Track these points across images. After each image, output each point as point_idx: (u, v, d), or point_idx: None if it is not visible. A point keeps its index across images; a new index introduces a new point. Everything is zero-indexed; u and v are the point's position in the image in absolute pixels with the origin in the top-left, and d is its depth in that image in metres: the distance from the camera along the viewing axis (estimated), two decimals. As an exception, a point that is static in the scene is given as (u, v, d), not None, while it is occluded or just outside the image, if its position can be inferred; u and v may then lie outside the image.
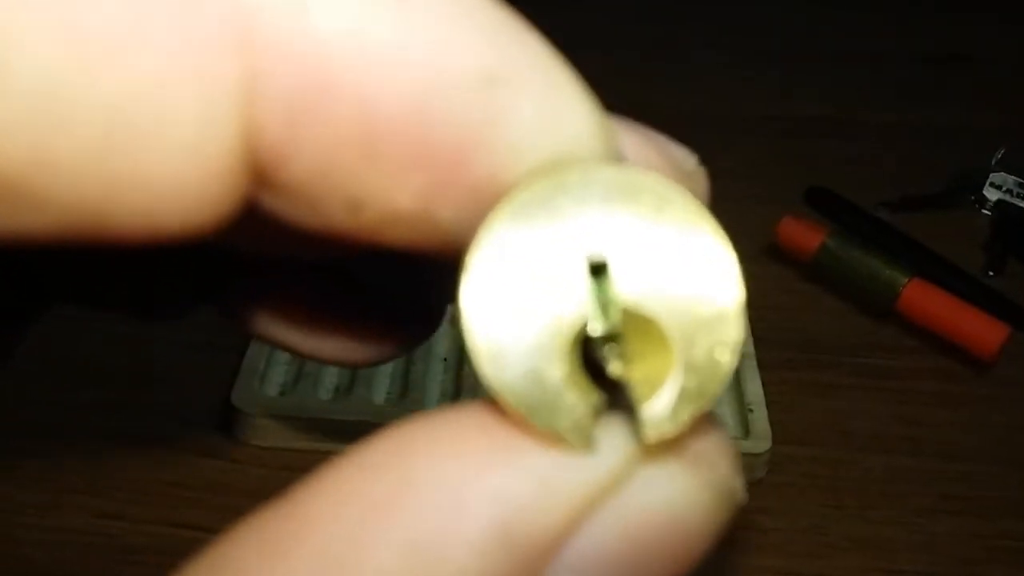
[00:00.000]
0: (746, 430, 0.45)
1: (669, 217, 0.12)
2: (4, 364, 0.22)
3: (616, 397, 0.12)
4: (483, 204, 0.12)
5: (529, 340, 0.12)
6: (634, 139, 0.14)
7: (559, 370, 0.12)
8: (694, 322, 0.12)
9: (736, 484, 0.13)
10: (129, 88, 0.11)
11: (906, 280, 0.52)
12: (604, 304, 0.12)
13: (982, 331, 0.50)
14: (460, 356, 0.47)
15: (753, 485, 0.45)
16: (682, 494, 0.12)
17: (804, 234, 0.56)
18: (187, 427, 0.45)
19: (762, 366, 0.48)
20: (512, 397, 0.12)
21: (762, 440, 0.45)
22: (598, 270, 0.12)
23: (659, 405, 0.12)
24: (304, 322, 0.20)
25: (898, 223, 0.60)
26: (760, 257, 0.56)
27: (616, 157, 0.13)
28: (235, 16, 0.11)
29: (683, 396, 0.12)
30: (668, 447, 0.12)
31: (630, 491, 0.12)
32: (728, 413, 0.46)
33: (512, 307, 0.12)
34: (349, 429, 0.44)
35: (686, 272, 0.12)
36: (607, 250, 0.12)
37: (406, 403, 0.45)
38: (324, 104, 0.11)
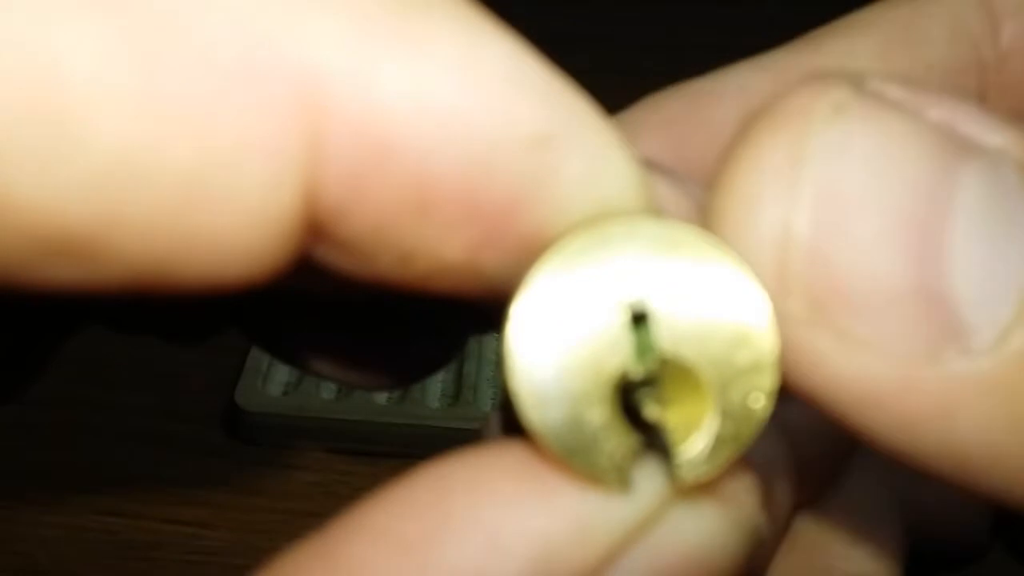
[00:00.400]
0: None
1: (707, 270, 0.12)
2: (37, 378, 0.23)
3: (652, 439, 0.12)
4: (529, 254, 0.12)
5: (571, 385, 0.12)
6: (667, 187, 0.14)
7: (599, 415, 0.12)
8: (730, 370, 0.12)
9: (760, 521, 0.13)
10: (202, 156, 0.11)
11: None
12: (643, 351, 0.12)
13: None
14: (460, 358, 0.47)
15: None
16: (712, 533, 0.12)
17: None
18: (190, 426, 0.46)
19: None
20: (553, 440, 0.12)
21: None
22: (639, 318, 0.12)
23: (695, 449, 0.12)
24: (327, 350, 0.21)
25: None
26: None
27: (655, 209, 0.13)
28: (303, 82, 0.11)
29: (718, 441, 0.12)
30: (701, 489, 0.12)
31: (663, 530, 0.12)
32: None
33: (555, 352, 0.12)
34: (352, 429, 0.44)
35: (723, 322, 0.12)
36: (647, 299, 0.12)
37: (407, 404, 0.45)
38: (385, 166, 0.12)
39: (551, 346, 0.12)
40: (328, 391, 0.46)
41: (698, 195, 0.15)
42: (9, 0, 0.10)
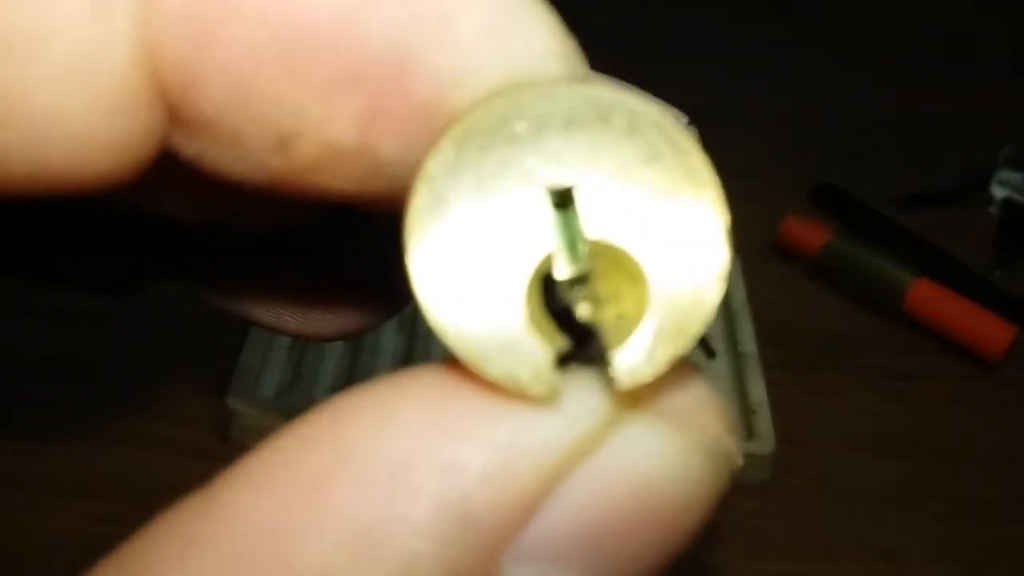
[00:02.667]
0: (749, 432, 0.44)
1: (643, 138, 0.10)
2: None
3: (585, 344, 0.10)
4: (430, 136, 0.10)
5: (484, 282, 0.10)
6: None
7: (518, 313, 0.10)
8: (673, 252, 0.10)
9: (731, 446, 0.11)
10: (23, 10, 0.09)
11: (912, 280, 0.52)
12: (570, 240, 0.10)
13: (990, 332, 0.49)
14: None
15: (756, 488, 0.44)
16: (667, 456, 0.10)
17: (808, 232, 0.55)
18: (182, 429, 0.45)
19: (766, 367, 0.47)
20: (466, 344, 0.10)
21: (766, 442, 0.44)
22: (562, 202, 0.10)
23: (633, 348, 0.10)
24: (265, 295, 0.19)
25: (904, 221, 0.59)
26: (763, 256, 0.56)
27: (580, 76, 0.11)
28: None
29: (660, 336, 0.10)
30: (647, 399, 0.10)
31: (605, 454, 0.10)
32: (732, 415, 0.45)
33: (464, 247, 0.10)
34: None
35: (663, 197, 0.10)
36: (572, 179, 0.10)
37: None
38: (231, 14, 0.10)
39: (458, 239, 0.10)
40: (322, 392, 0.45)
41: (650, 99, 0.12)
42: None
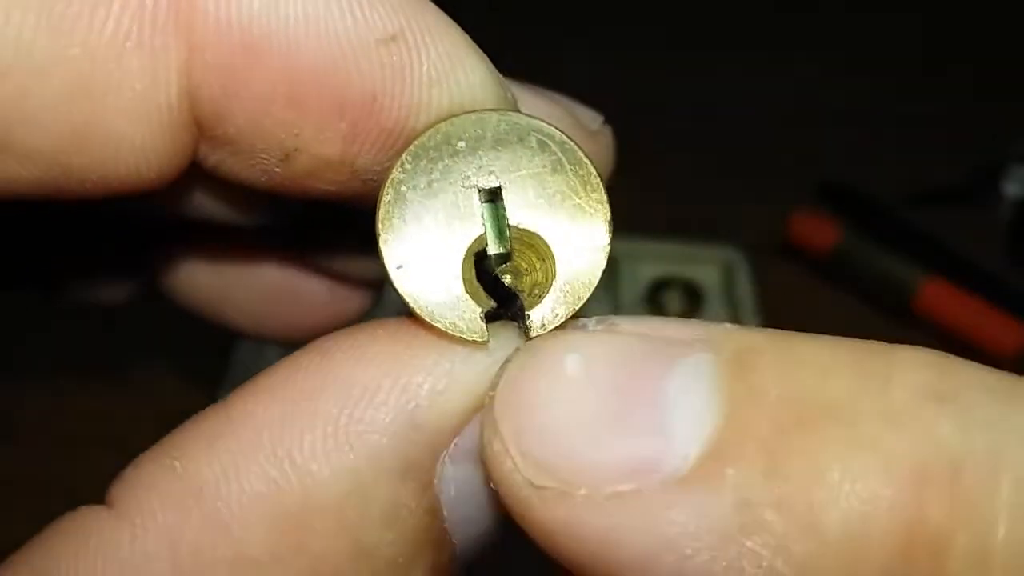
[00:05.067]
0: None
1: (550, 154, 0.14)
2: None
3: (508, 309, 0.15)
4: (394, 151, 0.15)
5: (434, 257, 0.14)
6: (542, 101, 0.17)
7: (459, 280, 0.14)
8: (571, 237, 0.14)
9: (630, 378, 0.15)
10: (90, 53, 0.13)
11: (923, 279, 0.51)
12: (497, 227, 0.14)
13: (1001, 331, 0.48)
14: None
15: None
16: (568, 386, 0.14)
17: (818, 231, 0.54)
18: (174, 426, 0.44)
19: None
20: (420, 303, 0.14)
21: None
22: (491, 199, 0.14)
23: (542, 308, 0.14)
24: (241, 300, 0.24)
25: (914, 218, 0.58)
26: (771, 254, 0.55)
27: (508, 105, 0.15)
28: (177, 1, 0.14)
29: (560, 299, 0.14)
30: (552, 345, 0.14)
31: (517, 384, 0.14)
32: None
33: (419, 231, 0.14)
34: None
35: (564, 197, 0.14)
36: (499, 181, 0.14)
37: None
38: (253, 63, 0.14)
39: (416, 227, 0.14)
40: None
41: (569, 105, 0.18)
42: None
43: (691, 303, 0.49)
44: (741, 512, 0.13)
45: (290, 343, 0.22)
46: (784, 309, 0.51)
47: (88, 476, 0.41)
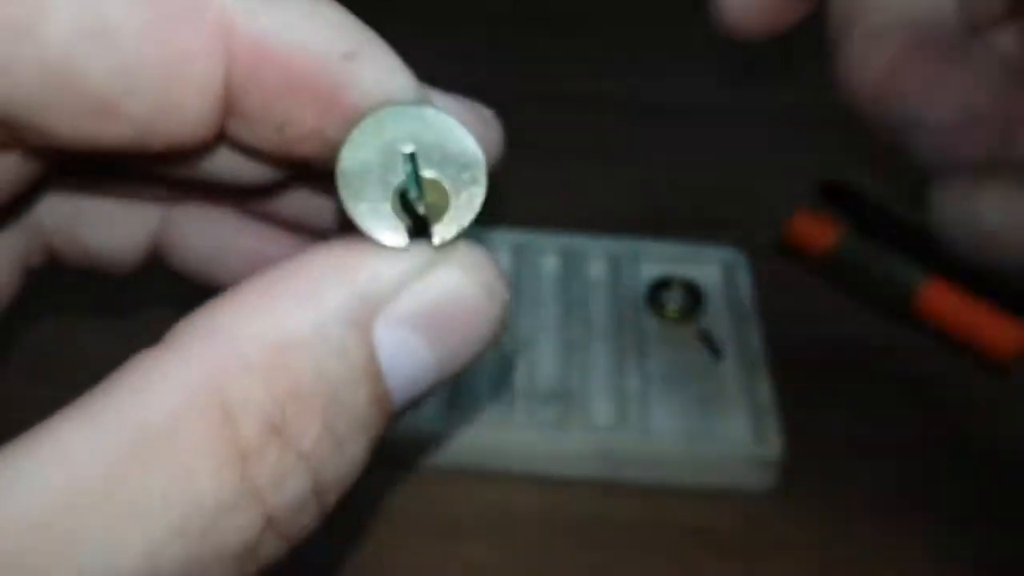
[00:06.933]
0: (757, 436, 0.43)
1: (441, 127, 0.22)
2: None
3: (422, 229, 0.22)
4: (351, 125, 0.22)
5: (373, 191, 0.21)
6: (452, 101, 0.25)
7: (389, 206, 0.21)
8: (460, 183, 0.22)
9: (499, 285, 0.21)
10: (173, 56, 0.21)
11: (923, 279, 0.51)
12: (414, 175, 0.21)
13: (1004, 334, 0.48)
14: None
15: (765, 495, 0.43)
16: (460, 281, 0.21)
17: (817, 231, 0.54)
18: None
19: (773, 369, 0.46)
20: (364, 223, 0.21)
21: (773, 445, 0.43)
22: (411, 158, 0.21)
23: (443, 227, 0.22)
24: (231, 261, 0.30)
25: (914, 218, 0.58)
26: (771, 254, 0.55)
27: (424, 101, 0.22)
28: (221, 18, 0.21)
29: (452, 219, 0.22)
30: (450, 255, 0.21)
31: (428, 278, 0.21)
32: (740, 418, 0.44)
33: (363, 175, 0.21)
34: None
35: (453, 154, 0.22)
36: (415, 146, 0.21)
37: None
38: (265, 63, 0.21)
39: (362, 172, 0.21)
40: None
41: (470, 103, 0.25)
42: None
43: (691, 303, 0.49)
44: None
45: None
46: (783, 310, 0.51)
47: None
